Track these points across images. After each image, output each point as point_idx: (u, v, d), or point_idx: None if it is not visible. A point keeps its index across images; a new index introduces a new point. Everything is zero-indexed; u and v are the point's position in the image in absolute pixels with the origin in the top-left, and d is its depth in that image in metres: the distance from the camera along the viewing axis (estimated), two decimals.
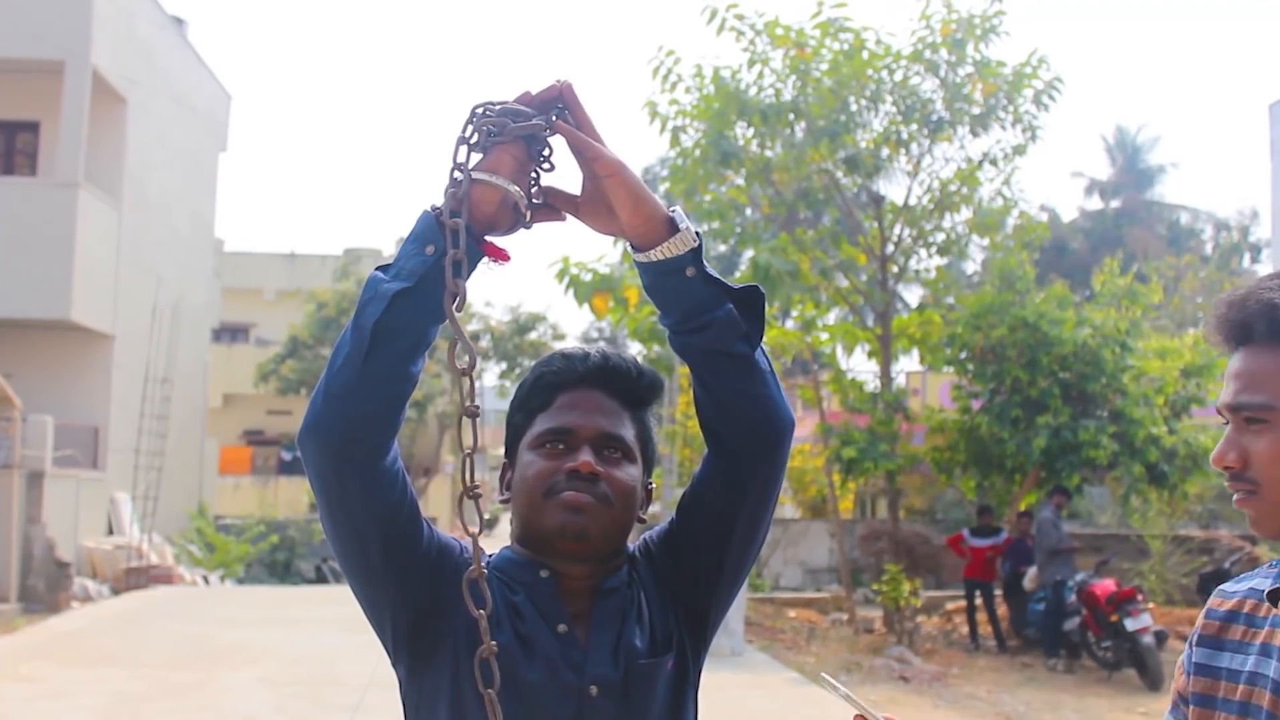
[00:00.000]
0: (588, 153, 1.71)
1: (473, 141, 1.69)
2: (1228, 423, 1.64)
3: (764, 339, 1.86)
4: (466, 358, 1.67)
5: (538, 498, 1.87)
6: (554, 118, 1.71)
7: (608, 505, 1.87)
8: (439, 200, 1.71)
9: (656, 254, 1.74)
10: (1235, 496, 1.62)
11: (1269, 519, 1.59)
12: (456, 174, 1.69)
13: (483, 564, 1.74)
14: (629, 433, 1.94)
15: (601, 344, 2.02)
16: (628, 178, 1.72)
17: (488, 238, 1.76)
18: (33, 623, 14.81)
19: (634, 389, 1.96)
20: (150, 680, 10.96)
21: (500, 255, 1.79)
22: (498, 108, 1.69)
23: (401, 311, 1.67)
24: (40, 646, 12.93)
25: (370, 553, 1.81)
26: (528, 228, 1.77)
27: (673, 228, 1.75)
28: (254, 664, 11.88)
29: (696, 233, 1.77)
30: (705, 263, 1.77)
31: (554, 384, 1.93)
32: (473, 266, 1.72)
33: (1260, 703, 1.62)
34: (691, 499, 1.98)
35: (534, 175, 1.76)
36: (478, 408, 1.73)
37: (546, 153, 1.76)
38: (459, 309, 1.70)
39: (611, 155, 1.72)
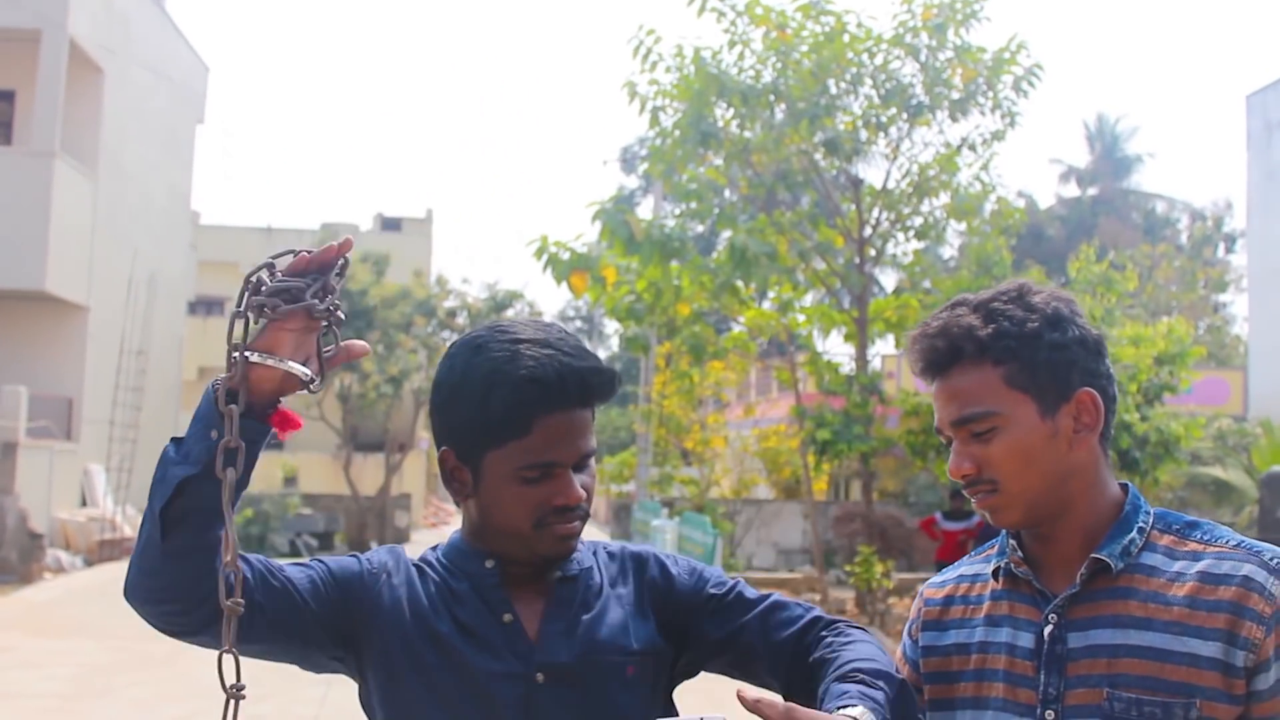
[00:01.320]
0: None
1: (249, 315, 1.64)
2: (949, 442, 1.85)
3: None
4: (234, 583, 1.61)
5: (525, 529, 1.82)
6: (332, 284, 1.68)
7: (587, 519, 1.87)
8: (227, 369, 1.66)
9: None
10: (976, 499, 1.83)
11: (1010, 510, 1.80)
12: (234, 354, 1.65)
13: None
14: (593, 431, 1.88)
15: (556, 330, 1.87)
16: None
17: (281, 404, 1.74)
18: (5, 594, 14.79)
19: (606, 394, 1.86)
20: (123, 651, 10.97)
21: (290, 426, 1.76)
22: (267, 287, 1.62)
23: (191, 497, 1.64)
24: (13, 617, 12.92)
25: (287, 654, 1.85)
26: (315, 391, 1.76)
27: None
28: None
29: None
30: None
31: (532, 413, 1.78)
32: (259, 444, 1.71)
33: (996, 666, 1.83)
34: (723, 643, 1.93)
35: (325, 325, 1.71)
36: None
37: (332, 308, 1.69)
38: (238, 493, 1.66)
39: None
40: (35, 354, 20.05)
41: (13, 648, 11.02)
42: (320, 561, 1.90)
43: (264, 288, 1.63)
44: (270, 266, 1.65)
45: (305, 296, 1.63)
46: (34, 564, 16.36)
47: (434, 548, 1.99)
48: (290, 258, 1.67)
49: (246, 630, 1.68)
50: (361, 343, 1.83)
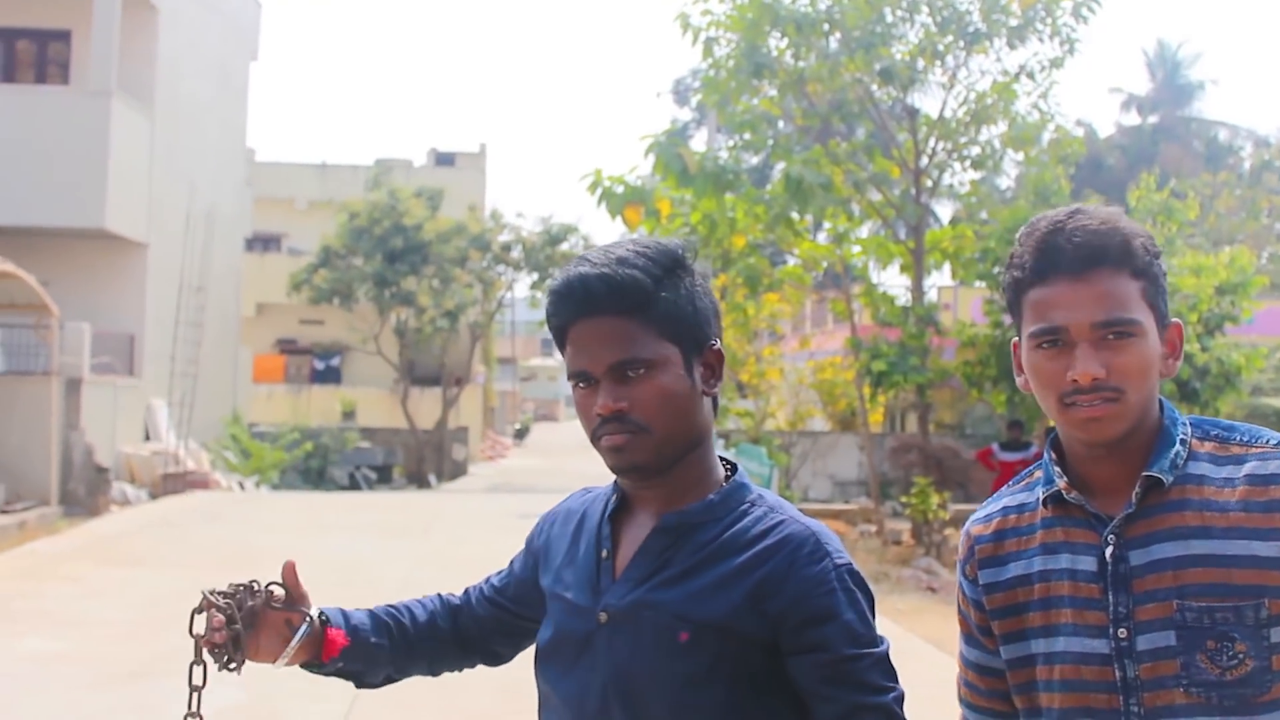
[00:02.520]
0: None
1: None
2: (1056, 343, 1.81)
3: None
4: None
5: (590, 440, 1.88)
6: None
7: (646, 432, 1.81)
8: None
9: None
10: (1091, 406, 1.77)
11: (1122, 420, 1.78)
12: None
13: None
14: (647, 341, 1.81)
15: (620, 244, 1.89)
16: None
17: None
18: (74, 525, 15.09)
19: (619, 299, 1.81)
20: (188, 581, 11.15)
21: (332, 647, 2.13)
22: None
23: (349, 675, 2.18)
24: (81, 548, 13.19)
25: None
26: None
27: None
28: None
29: None
30: None
31: (557, 325, 1.88)
32: (338, 664, 2.15)
33: (1060, 592, 1.84)
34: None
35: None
36: None
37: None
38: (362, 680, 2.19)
39: None
40: (97, 291, 20.30)
41: (82, 577, 11.27)
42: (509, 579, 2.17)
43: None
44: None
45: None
46: (100, 497, 16.67)
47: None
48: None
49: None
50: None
